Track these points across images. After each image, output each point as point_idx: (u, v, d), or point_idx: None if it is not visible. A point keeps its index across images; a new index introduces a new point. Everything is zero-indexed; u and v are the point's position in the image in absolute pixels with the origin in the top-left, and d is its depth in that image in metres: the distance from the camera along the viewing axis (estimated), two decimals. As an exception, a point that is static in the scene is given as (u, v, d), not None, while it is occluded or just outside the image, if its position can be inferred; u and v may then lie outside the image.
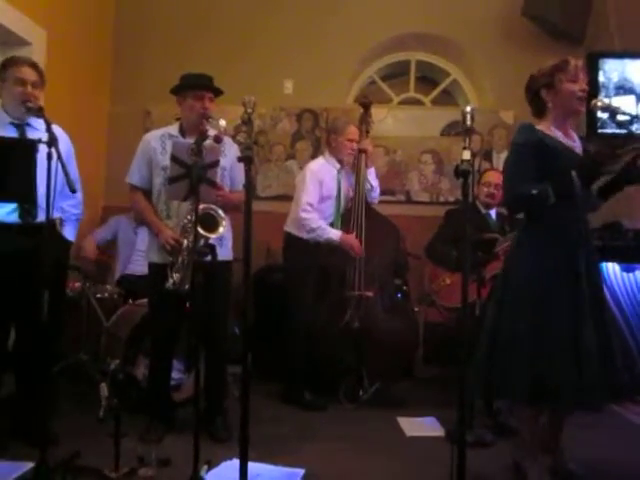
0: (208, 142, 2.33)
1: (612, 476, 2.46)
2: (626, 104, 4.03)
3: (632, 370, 3.65)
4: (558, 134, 2.33)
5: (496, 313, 2.35)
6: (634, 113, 3.35)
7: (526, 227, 2.39)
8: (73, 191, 2.25)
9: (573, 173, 2.16)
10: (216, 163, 2.43)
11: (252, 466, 2.03)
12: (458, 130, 4.34)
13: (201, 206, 2.51)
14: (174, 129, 2.83)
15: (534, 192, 2.19)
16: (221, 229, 2.62)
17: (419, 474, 2.46)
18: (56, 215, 2.58)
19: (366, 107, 3.66)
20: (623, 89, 4.22)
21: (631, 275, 3.63)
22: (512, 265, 2.38)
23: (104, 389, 2.80)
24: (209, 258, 2.33)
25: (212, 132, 2.43)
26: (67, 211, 2.74)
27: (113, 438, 2.26)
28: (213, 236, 2.56)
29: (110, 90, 4.65)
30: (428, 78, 5.06)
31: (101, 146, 4.58)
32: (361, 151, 3.53)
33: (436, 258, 3.57)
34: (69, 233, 2.76)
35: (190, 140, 2.41)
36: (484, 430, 2.84)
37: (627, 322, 3.74)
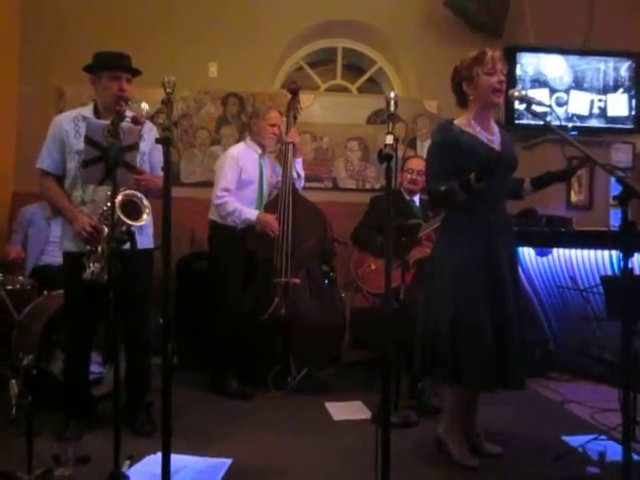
0: (126, 123, 2.22)
1: (527, 452, 2.57)
2: (541, 96, 4.23)
3: (545, 347, 3.87)
4: (477, 129, 2.37)
5: (424, 299, 2.43)
6: (548, 104, 3.49)
7: (446, 217, 2.49)
8: None
9: (471, 176, 2.23)
10: (135, 146, 2.32)
11: (176, 458, 1.98)
12: (383, 118, 4.39)
13: (125, 192, 2.40)
14: (88, 110, 2.66)
15: (442, 189, 2.29)
16: (145, 216, 2.51)
17: (346, 457, 2.49)
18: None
19: (294, 93, 3.64)
20: (538, 82, 4.43)
21: (545, 259, 3.82)
22: (436, 254, 2.46)
23: (14, 386, 2.65)
24: (128, 246, 2.23)
25: (130, 113, 2.32)
26: None
27: (25, 438, 2.13)
28: (136, 224, 2.46)
29: (19, 68, 4.32)
30: (355, 66, 5.09)
31: (10, 128, 4.28)
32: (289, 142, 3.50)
33: (362, 244, 3.61)
34: None
35: (106, 121, 2.28)
36: (409, 411, 2.92)
37: (540, 302, 3.95)
